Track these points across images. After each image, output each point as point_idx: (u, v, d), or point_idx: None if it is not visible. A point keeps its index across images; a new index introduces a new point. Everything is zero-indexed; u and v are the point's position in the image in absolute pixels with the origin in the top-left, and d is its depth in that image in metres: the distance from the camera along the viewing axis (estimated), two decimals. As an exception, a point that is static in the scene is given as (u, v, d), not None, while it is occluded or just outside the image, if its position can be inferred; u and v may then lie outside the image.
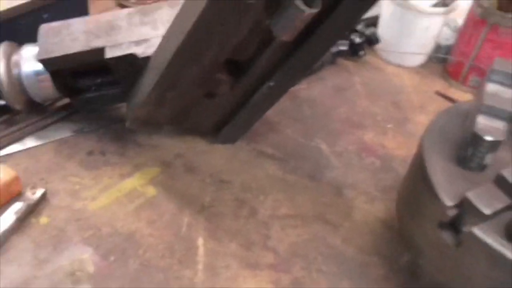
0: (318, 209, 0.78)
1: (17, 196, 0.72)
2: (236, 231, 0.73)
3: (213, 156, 0.84)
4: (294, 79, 0.75)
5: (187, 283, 0.66)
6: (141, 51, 0.74)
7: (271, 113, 0.93)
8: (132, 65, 0.75)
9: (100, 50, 0.75)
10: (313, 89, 1.02)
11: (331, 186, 0.83)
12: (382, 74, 1.10)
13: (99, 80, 0.82)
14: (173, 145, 0.84)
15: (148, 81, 0.71)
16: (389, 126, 0.96)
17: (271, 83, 0.73)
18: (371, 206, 0.80)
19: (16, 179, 0.71)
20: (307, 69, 0.76)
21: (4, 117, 0.83)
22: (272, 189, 0.80)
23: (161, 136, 0.85)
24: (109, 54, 0.74)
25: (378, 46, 1.11)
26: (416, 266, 0.71)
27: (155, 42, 0.74)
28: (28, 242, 0.68)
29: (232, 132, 0.84)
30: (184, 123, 0.81)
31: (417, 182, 0.66)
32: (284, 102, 0.96)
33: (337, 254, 0.73)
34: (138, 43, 0.75)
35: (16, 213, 0.69)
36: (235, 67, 0.72)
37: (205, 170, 0.81)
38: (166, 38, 0.71)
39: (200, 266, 0.68)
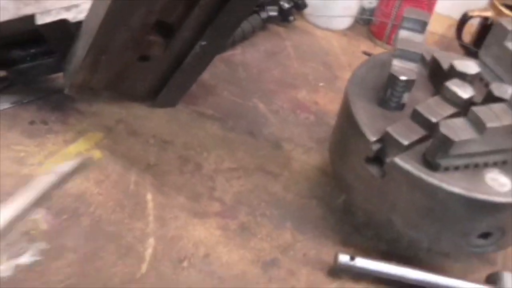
0: (258, 162, 0.84)
1: (-39, 166, 0.72)
2: (182, 185, 0.77)
3: (153, 119, 0.87)
4: (224, 37, 0.79)
5: (139, 233, 0.70)
6: (72, 16, 0.76)
7: (207, 77, 0.97)
8: (64, 31, 0.76)
9: (30, 17, 0.76)
10: (247, 54, 1.07)
11: (269, 141, 0.88)
12: (312, 38, 1.16)
13: (33, 50, 0.82)
14: (113, 111, 0.87)
15: (81, 46, 0.73)
16: (320, 84, 1.03)
17: (203, 42, 0.77)
18: (307, 156, 0.87)
19: (-42, 149, 0.71)
20: (236, 27, 0.80)
21: None
22: (214, 146, 0.85)
23: (101, 103, 0.87)
24: (40, 20, 0.75)
25: (306, 11, 1.18)
26: (349, 205, 0.79)
27: (85, 7, 0.76)
28: (-23, 208, 0.68)
29: (170, 96, 0.87)
30: (120, 88, 0.83)
31: (344, 125, 0.73)
32: (219, 67, 1.01)
33: (278, 200, 0.79)
34: (68, 8, 0.77)
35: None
36: (166, 29, 0.75)
37: (147, 132, 0.85)
38: (95, 2, 0.73)
39: (150, 218, 0.72)
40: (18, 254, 0.65)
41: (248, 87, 0.98)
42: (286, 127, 0.91)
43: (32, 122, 0.82)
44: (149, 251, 0.68)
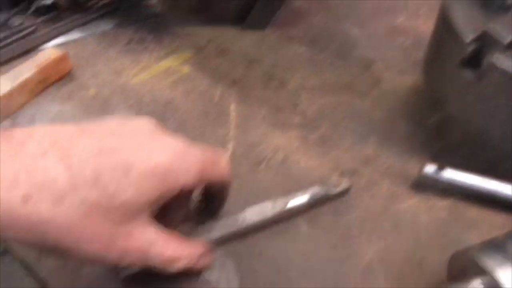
0: (346, 81, 0.81)
1: (67, 75, 0.79)
2: (266, 99, 0.77)
3: (243, 40, 0.88)
4: None
5: (221, 137, 0.71)
6: None
7: (299, 3, 0.96)
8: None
9: None
10: (343, -17, 1.03)
11: (359, 62, 0.85)
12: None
13: (135, -26, 0.87)
14: (205, 33, 0.89)
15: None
16: (422, 11, 0.97)
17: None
18: (401, 77, 0.82)
19: (64, 57, 0.78)
20: None
21: (52, 14, 0.90)
22: (301, 66, 0.84)
23: (194, 26, 0.90)
24: None
25: None
26: (443, 122, 0.74)
27: None
28: (79, 109, 0.75)
29: (259, 17, 0.88)
30: (210, 9, 0.85)
31: (439, 31, 0.67)
32: (314, -6, 0.99)
33: (363, 116, 0.76)
34: None
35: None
36: None
37: (235, 52, 0.86)
38: None
39: (232, 126, 0.73)
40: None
41: (342, 12, 0.95)
42: (380, 50, 0.87)
43: (130, 41, 0.87)
44: (228, 153, 0.69)
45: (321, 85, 0.80)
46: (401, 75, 0.82)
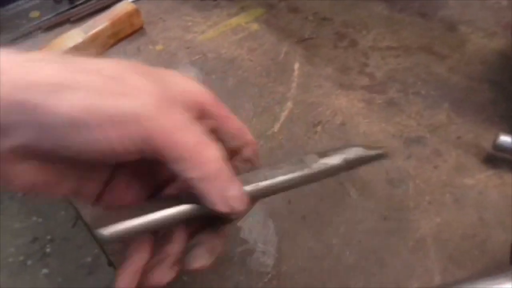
0: (424, 42, 0.74)
1: (139, 30, 0.81)
2: (333, 58, 0.73)
3: (317, -1, 0.84)
4: None
5: (279, 96, 0.68)
6: None
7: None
8: None
9: None
10: None
11: (443, 22, 0.77)
12: None
13: None
14: (279, -10, 0.86)
15: None
16: (524, -32, 0.85)
17: None
18: (489, 40, 0.73)
19: (136, 12, 0.79)
20: None
21: (132, -28, 0.92)
22: (376, 25, 0.78)
23: (269, -17, 0.87)
24: None
25: None
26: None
27: None
28: (145, 63, 0.75)
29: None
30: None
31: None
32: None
33: (439, 80, 0.69)
34: None
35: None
36: None
37: (308, 10, 0.82)
38: None
39: (294, 85, 0.70)
40: (169, 102, 0.70)
41: (430, -30, 0.87)
42: (469, 10, 0.78)
43: (203, -1, 0.87)
44: (285, 113, 0.67)
45: (396, 46, 0.74)
46: (489, 38, 0.73)
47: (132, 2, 0.85)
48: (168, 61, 0.76)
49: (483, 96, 0.66)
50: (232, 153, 0.41)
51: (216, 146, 0.35)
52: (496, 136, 0.57)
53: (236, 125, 0.41)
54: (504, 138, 0.56)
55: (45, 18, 0.84)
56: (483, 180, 0.57)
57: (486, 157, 0.59)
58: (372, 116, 0.65)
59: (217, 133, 0.39)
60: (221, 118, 0.39)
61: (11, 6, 0.86)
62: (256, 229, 0.54)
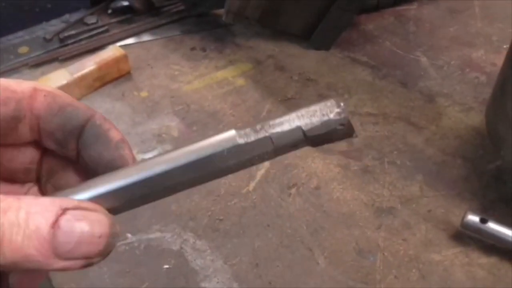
0: (403, 112, 0.76)
1: (126, 75, 0.82)
2: (313, 120, 0.75)
3: (304, 59, 0.86)
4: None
5: (257, 155, 0.69)
6: None
7: (371, 28, 0.92)
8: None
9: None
10: (423, 10, 0.97)
11: (423, 93, 0.79)
12: (507, 1, 1.00)
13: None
14: (267, 47, 0.88)
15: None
16: (505, 46, 0.88)
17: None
18: (465, 115, 0.75)
19: (124, 57, 0.80)
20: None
21: (127, 16, 0.93)
22: (359, 91, 0.80)
23: (258, 40, 0.89)
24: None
25: (505, -31, 1.02)
26: (502, 170, 0.67)
27: None
28: (128, 108, 0.77)
29: (324, 36, 0.85)
30: (274, 22, 0.84)
31: (506, 70, 0.61)
32: (387, 19, 0.95)
33: (415, 152, 0.70)
34: None
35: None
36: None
37: (294, 69, 0.83)
38: None
39: (272, 144, 0.71)
40: (147, 151, 0.70)
41: (414, 40, 0.90)
42: (448, 84, 0.81)
43: (193, 48, 0.88)
44: (261, 172, 0.67)
45: (375, 113, 0.76)
46: (465, 113, 0.75)
47: (122, 46, 0.86)
48: (151, 108, 0.77)
49: (456, 171, 0.67)
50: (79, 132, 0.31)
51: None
52: (465, 214, 0.58)
53: (68, 100, 0.31)
54: (472, 218, 0.57)
55: (34, 54, 0.85)
56: (450, 257, 0.58)
57: (454, 233, 0.60)
58: (347, 183, 0.66)
59: (51, 120, 0.31)
60: (49, 99, 0.30)
61: (0, 40, 0.87)
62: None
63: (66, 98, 0.31)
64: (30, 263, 0.23)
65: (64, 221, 0.24)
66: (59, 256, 0.24)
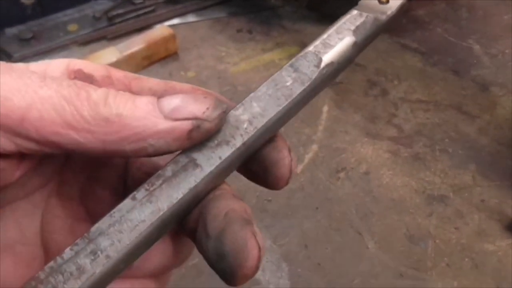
0: (455, 99, 0.74)
1: (173, 54, 0.82)
2: (362, 105, 0.73)
3: (353, 43, 0.84)
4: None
5: (305, 138, 0.68)
6: None
7: (421, 13, 0.90)
8: None
9: None
10: (476, -3, 0.95)
11: (476, 82, 0.77)
12: None
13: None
14: (314, 31, 0.87)
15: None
16: (561, 36, 0.85)
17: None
18: (520, 105, 0.73)
19: (172, 37, 0.80)
20: None
21: (172, -4, 0.94)
22: (408, 77, 0.78)
23: (304, 23, 0.88)
24: None
25: None
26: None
27: None
28: (174, 88, 0.77)
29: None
30: (323, 4, 0.83)
31: None
32: (439, 5, 0.92)
33: (468, 140, 0.68)
34: None
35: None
36: None
37: (343, 53, 0.82)
38: None
39: (320, 128, 0.70)
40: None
41: (467, 27, 0.87)
42: (502, 72, 0.78)
43: (239, 30, 0.88)
44: (309, 155, 0.66)
45: (426, 100, 0.74)
46: (521, 102, 0.73)
47: (169, 26, 0.86)
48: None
49: (511, 162, 0.65)
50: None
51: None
52: (522, 205, 0.56)
53: (152, 81, 0.27)
54: (530, 209, 0.55)
55: (83, 32, 0.86)
56: (504, 247, 0.56)
57: (508, 224, 0.58)
58: (396, 169, 0.65)
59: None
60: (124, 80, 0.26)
61: (51, 17, 0.88)
62: (269, 271, 0.54)
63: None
64: (138, 123, 0.21)
65: (169, 95, 0.22)
66: (166, 115, 0.21)
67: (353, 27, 0.24)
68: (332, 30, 0.24)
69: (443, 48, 0.83)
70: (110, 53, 0.76)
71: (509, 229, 0.58)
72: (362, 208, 0.60)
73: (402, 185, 0.63)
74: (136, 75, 0.26)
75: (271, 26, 0.88)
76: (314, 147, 0.67)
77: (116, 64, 0.75)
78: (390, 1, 0.25)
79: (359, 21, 0.25)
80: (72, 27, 0.87)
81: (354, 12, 0.25)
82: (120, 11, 0.89)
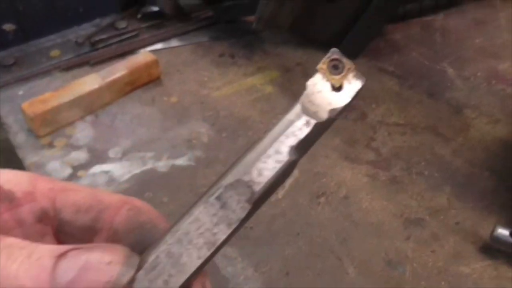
0: (430, 122, 0.77)
1: (156, 79, 0.83)
2: (342, 129, 0.75)
3: (332, 67, 0.86)
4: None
5: (286, 163, 0.70)
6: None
7: (398, 37, 0.93)
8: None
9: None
10: (449, 21, 0.98)
11: (450, 104, 0.80)
12: (535, 11, 1.00)
13: (236, -10, 0.90)
14: (295, 55, 0.89)
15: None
16: (532, 59, 0.89)
17: (392, -16, 0.73)
18: (492, 127, 0.76)
19: (155, 63, 0.81)
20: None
21: (156, 21, 0.95)
22: (386, 100, 0.80)
23: (286, 47, 0.90)
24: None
25: (533, -19, 1.02)
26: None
27: None
28: (158, 114, 0.78)
29: (353, 44, 0.85)
30: (305, 29, 0.85)
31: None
32: (414, 29, 0.95)
33: (442, 163, 0.71)
34: None
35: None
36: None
37: (322, 77, 0.84)
38: None
39: (301, 152, 0.72)
40: (177, 156, 0.72)
41: (441, 51, 0.90)
42: (474, 95, 0.81)
43: (221, 55, 0.90)
44: (290, 180, 0.68)
45: (403, 123, 0.77)
46: (492, 125, 0.76)
47: (152, 51, 0.87)
48: (181, 114, 0.78)
49: (484, 184, 0.68)
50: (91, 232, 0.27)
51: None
52: (494, 228, 0.58)
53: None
54: (501, 231, 0.58)
55: (65, 58, 0.87)
56: (479, 270, 0.58)
57: (483, 246, 0.60)
58: (375, 193, 0.67)
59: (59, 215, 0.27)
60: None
61: (33, 42, 0.89)
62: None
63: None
64: None
65: (72, 252, 0.21)
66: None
67: (295, 142, 0.21)
68: (270, 150, 0.21)
69: (418, 71, 0.86)
70: (93, 79, 0.77)
71: (483, 251, 0.60)
72: (342, 233, 0.62)
73: (381, 209, 0.65)
74: (63, 186, 0.26)
75: (253, 50, 0.90)
76: (295, 172, 0.69)
77: (99, 91, 0.76)
78: (345, 86, 0.23)
79: (303, 132, 0.22)
80: (55, 52, 0.88)
81: (298, 119, 0.22)
82: (103, 36, 0.90)
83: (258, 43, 0.92)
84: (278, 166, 0.22)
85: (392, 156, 0.72)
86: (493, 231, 0.58)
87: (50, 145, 0.73)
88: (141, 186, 0.68)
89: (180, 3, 0.92)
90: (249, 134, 0.74)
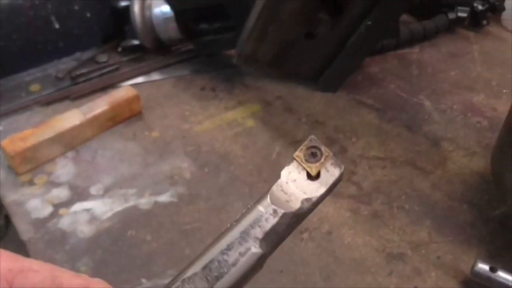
0: (409, 156, 0.78)
1: (137, 114, 0.83)
2: (323, 164, 0.76)
3: (311, 100, 0.88)
4: (389, 19, 0.77)
5: (269, 198, 0.70)
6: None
7: (375, 70, 0.95)
8: (246, 7, 0.82)
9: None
10: (425, 54, 1.01)
11: (427, 137, 0.81)
12: (505, 45, 1.04)
13: (216, 25, 0.91)
14: (275, 89, 0.90)
15: (252, 16, 0.78)
16: (504, 91, 0.91)
17: (369, 22, 0.75)
18: (469, 160, 0.78)
19: (136, 98, 0.82)
20: (402, 10, 0.77)
21: (137, 54, 0.95)
22: (365, 134, 0.82)
23: (266, 81, 0.92)
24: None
25: (503, 15, 1.06)
26: (508, 217, 0.68)
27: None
28: (140, 149, 0.78)
29: (332, 79, 0.87)
30: (284, 65, 0.86)
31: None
32: (391, 62, 0.98)
33: (422, 196, 0.72)
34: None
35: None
36: (334, 7, 0.76)
37: (302, 111, 0.86)
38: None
39: (283, 187, 0.72)
40: (160, 193, 0.71)
41: (417, 83, 0.92)
42: (451, 128, 0.83)
43: (202, 88, 0.90)
44: (273, 216, 0.68)
45: (383, 156, 0.78)
46: (469, 157, 0.78)
47: (132, 85, 0.88)
48: (163, 149, 0.78)
49: (463, 217, 0.69)
50: None
51: None
52: (474, 262, 0.59)
53: (37, 277, 0.27)
54: (482, 266, 0.59)
55: (45, 92, 0.86)
56: (461, 305, 0.59)
57: (464, 280, 0.61)
58: (357, 227, 0.67)
59: None
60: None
61: (12, 77, 0.88)
62: None
63: None
64: None
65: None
66: None
67: (261, 235, 0.20)
68: (233, 240, 0.20)
69: (396, 104, 0.88)
70: (74, 115, 0.76)
71: (464, 285, 0.61)
72: (326, 269, 0.62)
73: (363, 244, 0.65)
74: (22, 266, 0.26)
75: (234, 84, 0.91)
76: (278, 207, 0.69)
77: (80, 127, 0.76)
78: (322, 174, 0.22)
79: (270, 223, 0.20)
80: (34, 87, 0.87)
81: (265, 209, 0.20)
82: (84, 70, 0.90)
83: (239, 76, 0.93)
84: (240, 258, 0.21)
85: (373, 190, 0.73)
86: (473, 266, 0.59)
87: (31, 183, 0.72)
88: (123, 224, 0.67)
89: (161, 37, 0.93)
90: (231, 169, 0.75)
